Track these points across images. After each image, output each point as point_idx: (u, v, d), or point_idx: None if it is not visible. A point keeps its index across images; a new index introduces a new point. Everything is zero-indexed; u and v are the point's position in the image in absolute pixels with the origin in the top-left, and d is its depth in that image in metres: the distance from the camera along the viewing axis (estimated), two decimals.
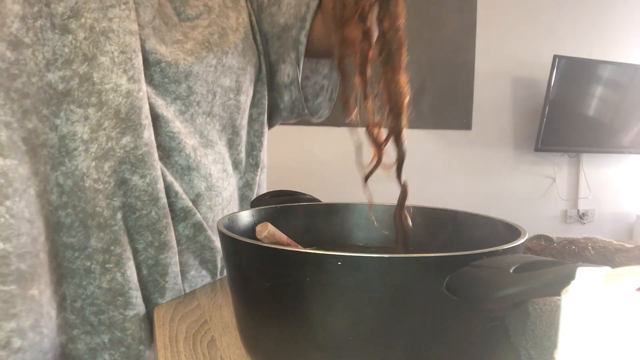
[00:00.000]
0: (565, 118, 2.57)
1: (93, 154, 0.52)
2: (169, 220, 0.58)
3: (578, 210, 2.83)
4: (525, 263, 0.30)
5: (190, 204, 0.60)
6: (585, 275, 0.19)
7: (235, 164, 0.68)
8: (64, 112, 0.52)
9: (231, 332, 0.49)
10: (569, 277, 0.20)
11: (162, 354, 0.45)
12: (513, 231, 0.42)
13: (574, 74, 2.54)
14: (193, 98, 0.61)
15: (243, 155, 0.69)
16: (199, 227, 0.61)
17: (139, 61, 0.54)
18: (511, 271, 0.29)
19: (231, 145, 0.67)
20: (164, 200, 0.57)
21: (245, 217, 0.50)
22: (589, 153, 2.77)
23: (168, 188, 0.58)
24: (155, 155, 0.56)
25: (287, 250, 0.34)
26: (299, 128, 2.24)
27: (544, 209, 2.79)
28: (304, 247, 0.44)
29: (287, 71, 0.71)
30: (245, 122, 0.68)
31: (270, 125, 0.79)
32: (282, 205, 0.55)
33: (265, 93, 0.72)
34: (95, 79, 0.52)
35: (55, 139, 0.52)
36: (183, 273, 0.62)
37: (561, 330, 0.19)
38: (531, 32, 2.62)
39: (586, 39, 2.70)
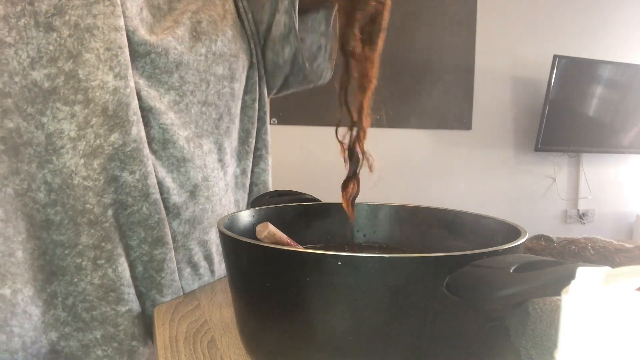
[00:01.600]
0: (565, 118, 2.57)
1: (81, 152, 0.53)
2: (162, 215, 0.58)
3: (578, 210, 2.83)
4: (525, 263, 0.30)
5: (182, 200, 0.60)
6: (585, 275, 0.19)
7: (232, 152, 0.69)
8: (50, 110, 0.52)
9: (231, 332, 0.49)
10: (569, 277, 0.20)
11: (162, 354, 0.45)
12: (513, 231, 0.42)
13: (574, 74, 2.54)
14: (186, 87, 0.61)
15: (237, 142, 0.69)
16: (193, 222, 0.62)
17: (125, 57, 0.54)
18: (511, 271, 0.29)
19: (229, 133, 0.67)
20: (155, 195, 0.57)
21: (245, 217, 0.50)
22: (589, 153, 2.77)
23: (159, 184, 0.58)
24: (145, 150, 0.56)
25: (287, 250, 0.34)
26: (299, 128, 2.24)
27: (544, 209, 2.79)
28: (304, 247, 0.44)
29: (282, 20, 0.70)
30: (239, 109, 0.68)
31: (275, 90, 0.78)
32: (282, 205, 0.55)
33: (257, 78, 0.72)
34: (81, 76, 0.52)
35: (42, 137, 0.52)
36: (180, 270, 0.62)
37: (561, 330, 0.19)
38: (531, 32, 2.62)
39: (586, 39, 2.70)
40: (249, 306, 0.39)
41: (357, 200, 0.57)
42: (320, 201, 0.59)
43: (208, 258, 0.65)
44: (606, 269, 0.20)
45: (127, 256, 0.56)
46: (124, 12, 0.55)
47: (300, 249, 0.40)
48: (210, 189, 0.63)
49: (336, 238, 0.56)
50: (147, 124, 0.57)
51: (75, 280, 0.54)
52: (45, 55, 0.51)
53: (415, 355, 0.33)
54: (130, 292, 0.56)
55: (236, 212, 0.50)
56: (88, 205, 0.53)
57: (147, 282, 0.59)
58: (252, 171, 0.74)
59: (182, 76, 0.60)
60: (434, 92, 2.47)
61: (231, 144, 0.68)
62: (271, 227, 0.42)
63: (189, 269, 0.63)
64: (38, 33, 0.51)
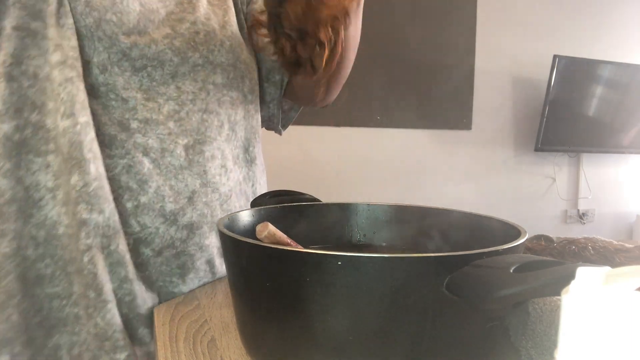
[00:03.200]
0: (565, 118, 2.57)
1: (61, 201, 0.52)
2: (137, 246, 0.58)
3: (578, 210, 2.83)
4: (525, 263, 0.30)
5: (179, 206, 0.60)
6: (585, 275, 0.19)
7: (234, 159, 0.69)
8: (24, 163, 0.51)
9: (231, 332, 0.49)
10: (569, 277, 0.20)
11: (162, 354, 0.45)
12: (513, 231, 0.42)
13: (574, 74, 2.54)
14: (185, 97, 0.61)
15: (239, 150, 0.70)
16: (191, 227, 0.62)
17: (74, 95, 0.53)
18: (511, 271, 0.29)
19: (229, 140, 0.67)
20: (126, 230, 0.57)
21: (245, 217, 0.50)
22: (589, 153, 2.77)
23: (157, 191, 0.58)
24: (107, 187, 0.55)
25: (287, 250, 0.34)
26: (298, 128, 2.24)
27: (544, 209, 2.78)
28: (304, 247, 0.44)
29: (269, 90, 0.76)
30: (239, 117, 0.69)
31: None
32: (282, 205, 0.55)
33: (258, 91, 0.73)
34: (48, 125, 0.52)
35: (22, 192, 0.51)
36: (182, 275, 0.62)
37: (561, 330, 0.19)
38: (531, 32, 2.61)
39: (586, 39, 2.70)
40: (249, 306, 0.39)
41: (356, 200, 0.57)
42: (320, 201, 0.59)
43: (210, 262, 0.65)
44: (606, 269, 0.20)
45: (115, 301, 0.55)
46: (116, 35, 0.54)
47: (300, 249, 0.40)
48: (208, 195, 0.63)
49: (336, 238, 0.56)
50: (144, 134, 0.58)
51: (77, 330, 0.54)
52: (10, 107, 0.51)
53: (416, 355, 0.33)
54: (124, 338, 0.55)
55: (236, 212, 0.50)
56: (74, 254, 0.53)
57: (135, 322, 0.58)
58: (259, 182, 0.74)
59: (179, 86, 0.61)
60: (434, 92, 2.47)
61: (232, 151, 0.68)
62: (271, 227, 0.42)
63: (191, 275, 0.63)
64: (0, 84, 0.51)
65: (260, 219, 0.51)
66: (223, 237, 0.41)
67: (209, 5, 0.67)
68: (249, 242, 0.37)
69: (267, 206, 0.54)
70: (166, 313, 0.55)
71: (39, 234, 0.52)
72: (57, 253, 0.52)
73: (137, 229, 0.58)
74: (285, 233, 0.44)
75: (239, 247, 0.38)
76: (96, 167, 0.54)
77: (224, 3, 0.69)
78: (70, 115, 0.53)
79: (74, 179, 0.52)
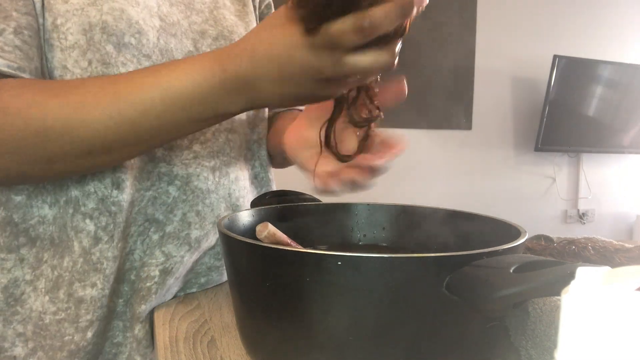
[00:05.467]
0: (565, 118, 2.57)
1: (43, 289, 0.52)
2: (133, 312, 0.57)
3: (578, 210, 2.83)
4: (525, 263, 0.30)
5: (204, 232, 0.59)
6: (585, 275, 0.19)
7: (251, 179, 0.68)
8: None
9: (231, 332, 0.49)
10: (569, 277, 0.20)
11: (162, 354, 0.45)
12: (513, 231, 0.42)
13: (574, 74, 2.54)
14: None
15: (258, 169, 0.69)
16: (207, 250, 0.61)
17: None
18: (511, 271, 0.29)
19: (246, 160, 0.67)
20: (151, 262, 0.56)
21: (245, 217, 0.50)
22: (589, 153, 2.77)
23: (183, 219, 0.57)
24: (95, 256, 0.54)
25: (287, 250, 0.34)
26: None
27: (544, 209, 2.78)
28: (304, 247, 0.44)
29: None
30: (256, 136, 0.68)
31: None
32: (282, 205, 0.55)
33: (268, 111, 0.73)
34: (16, 219, 0.52)
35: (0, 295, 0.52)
36: (184, 289, 0.61)
37: (561, 330, 0.19)
38: (531, 32, 2.61)
39: (586, 39, 2.70)
40: (249, 306, 0.39)
41: (356, 200, 0.57)
42: (320, 201, 0.59)
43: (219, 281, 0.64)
44: (606, 269, 0.20)
45: None
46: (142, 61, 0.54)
47: (300, 249, 0.40)
48: None
49: (336, 238, 0.56)
50: (169, 162, 0.56)
51: None
52: None
53: (415, 355, 0.33)
54: None
55: (236, 212, 0.50)
56: (67, 337, 0.52)
57: None
58: None
59: None
60: (434, 92, 2.47)
61: (251, 170, 0.68)
62: (271, 227, 0.42)
63: (194, 289, 0.62)
64: None
65: (260, 219, 0.51)
66: (223, 237, 0.41)
67: (232, 15, 0.65)
68: (249, 242, 0.37)
69: (267, 206, 0.54)
70: (166, 313, 0.55)
71: (27, 329, 0.52)
72: (47, 343, 0.52)
73: (162, 259, 0.57)
74: (285, 233, 0.44)
75: (239, 247, 0.38)
76: (79, 243, 0.53)
77: (245, 16, 0.67)
78: (55, 202, 0.52)
79: (66, 260, 0.52)
